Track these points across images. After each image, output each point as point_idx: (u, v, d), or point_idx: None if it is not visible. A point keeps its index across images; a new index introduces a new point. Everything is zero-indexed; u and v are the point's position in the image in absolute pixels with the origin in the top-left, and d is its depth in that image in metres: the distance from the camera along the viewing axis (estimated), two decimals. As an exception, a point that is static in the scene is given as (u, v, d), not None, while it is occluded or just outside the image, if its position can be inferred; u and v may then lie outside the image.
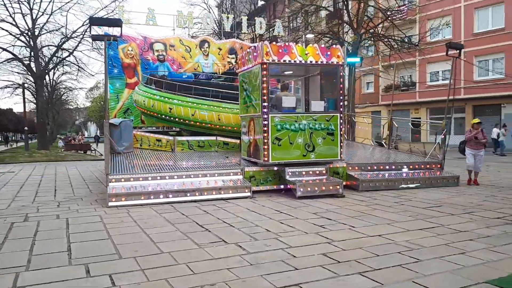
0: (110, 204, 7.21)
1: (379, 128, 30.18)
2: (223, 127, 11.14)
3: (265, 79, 8.12)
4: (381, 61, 25.08)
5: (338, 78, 8.74)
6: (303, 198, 7.82)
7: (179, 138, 11.02)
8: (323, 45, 8.36)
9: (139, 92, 12.45)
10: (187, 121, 11.27)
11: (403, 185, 9.18)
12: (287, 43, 8.27)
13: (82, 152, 26.22)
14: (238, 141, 11.24)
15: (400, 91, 32.19)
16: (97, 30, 13.42)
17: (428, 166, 10.11)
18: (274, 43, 8.25)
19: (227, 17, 16.62)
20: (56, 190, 9.43)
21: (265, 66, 8.09)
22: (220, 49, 15.81)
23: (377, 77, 32.16)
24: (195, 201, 7.59)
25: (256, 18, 17.01)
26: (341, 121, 8.74)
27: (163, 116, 11.57)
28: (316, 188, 7.96)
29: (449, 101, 10.40)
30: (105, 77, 8.36)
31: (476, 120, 9.98)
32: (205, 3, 31.92)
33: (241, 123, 9.69)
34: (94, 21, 7.63)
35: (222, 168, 8.60)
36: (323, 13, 24.91)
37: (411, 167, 9.92)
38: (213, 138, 11.26)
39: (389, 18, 18.32)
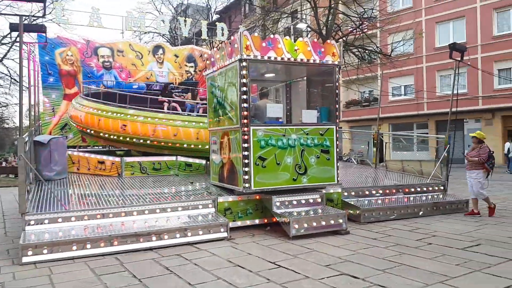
0: (24, 260, 4.88)
1: (340, 144, 29.16)
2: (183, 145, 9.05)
3: (245, 80, 6.18)
4: (341, 74, 24.13)
5: (333, 82, 6.99)
6: (298, 237, 5.88)
7: (128, 159, 8.74)
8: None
9: (78, 107, 10.06)
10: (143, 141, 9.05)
11: (408, 213, 7.53)
12: (272, 36, 6.41)
13: (14, 176, 22.70)
14: (204, 161, 9.18)
15: (361, 107, 31.51)
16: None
17: (430, 188, 8.57)
18: (256, 34, 6.38)
19: (185, 21, 14.68)
20: (-46, 234, 6.84)
21: (245, 63, 6.17)
22: (176, 56, 13.79)
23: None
24: (151, 249, 5.41)
25: (217, 23, 15.20)
26: (337, 135, 6.98)
27: (114, 136, 9.22)
28: (315, 224, 6.05)
29: (452, 113, 8.97)
30: (20, 76, 6.05)
31: (473, 134, 7.87)
32: (157, 10, 29.48)
33: (210, 138, 7.67)
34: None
35: (187, 198, 6.49)
36: (281, 26, 23.43)
37: (413, 190, 8.33)
38: (172, 158, 9.10)
39: (360, 27, 17.19)
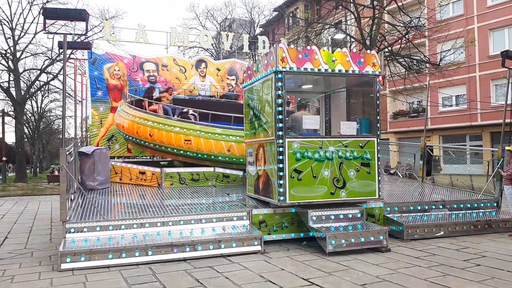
0: (63, 266, 5.04)
1: (388, 156, 28.15)
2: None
3: (280, 92, 6.11)
4: (388, 84, 23.48)
5: (374, 92, 6.75)
6: (334, 253, 5.66)
7: (168, 170, 8.89)
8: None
9: (124, 115, 10.37)
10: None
11: (456, 231, 7.04)
12: (308, 47, 6.32)
13: (67, 184, 23.81)
14: (241, 173, 9.17)
15: (409, 118, 30.36)
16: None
17: (482, 205, 8.00)
18: (292, 46, 6.31)
19: (227, 35, 14.92)
20: (6, 238, 7.23)
21: (280, 75, 6.11)
22: (218, 69, 14.07)
23: (384, 103, 30.40)
24: (184, 259, 5.42)
25: (258, 36, 15.33)
26: (378, 147, 6.70)
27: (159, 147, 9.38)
28: (353, 240, 5.80)
29: (505, 125, 8.36)
30: (63, 90, 6.34)
31: (508, 147, 7.71)
32: (202, 25, 30.26)
33: (246, 150, 7.64)
34: (50, 13, 5.68)
35: (222, 210, 6.46)
36: (324, 37, 23.16)
37: (462, 206, 7.82)
38: (210, 169, 9.16)
39: (406, 36, 16.63)
